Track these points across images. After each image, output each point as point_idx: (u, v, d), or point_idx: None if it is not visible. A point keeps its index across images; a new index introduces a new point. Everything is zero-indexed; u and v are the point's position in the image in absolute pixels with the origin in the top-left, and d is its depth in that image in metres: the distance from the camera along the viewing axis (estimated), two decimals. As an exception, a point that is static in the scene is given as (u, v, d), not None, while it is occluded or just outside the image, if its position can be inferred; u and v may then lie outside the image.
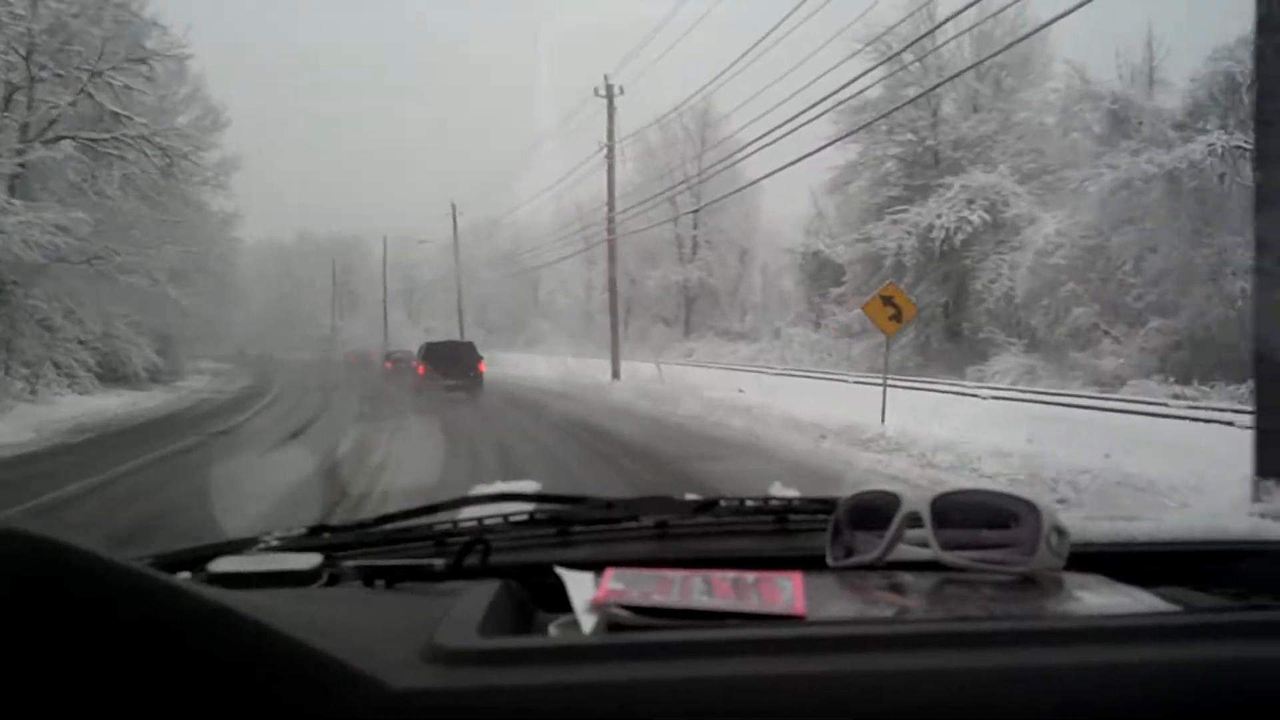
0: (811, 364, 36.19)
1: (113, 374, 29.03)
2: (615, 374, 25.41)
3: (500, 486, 1.49)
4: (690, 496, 1.49)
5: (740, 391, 20.68)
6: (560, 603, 0.92)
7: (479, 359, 26.05)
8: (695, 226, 53.39)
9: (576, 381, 26.84)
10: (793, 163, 17.87)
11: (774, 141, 17.34)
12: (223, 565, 1.08)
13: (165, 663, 0.59)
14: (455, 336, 38.74)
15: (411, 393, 25.05)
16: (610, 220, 24.51)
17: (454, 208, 46.79)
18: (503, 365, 40.88)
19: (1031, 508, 1.01)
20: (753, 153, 19.58)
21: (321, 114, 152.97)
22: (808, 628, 0.80)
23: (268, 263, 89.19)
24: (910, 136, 32.99)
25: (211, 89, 36.24)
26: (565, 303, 70.11)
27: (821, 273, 45.09)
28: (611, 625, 0.81)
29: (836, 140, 19.68)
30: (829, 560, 1.14)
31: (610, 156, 23.95)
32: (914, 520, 1.06)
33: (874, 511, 1.11)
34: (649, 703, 0.67)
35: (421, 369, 25.82)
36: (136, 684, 0.58)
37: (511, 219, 64.76)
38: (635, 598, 0.85)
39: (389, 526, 1.38)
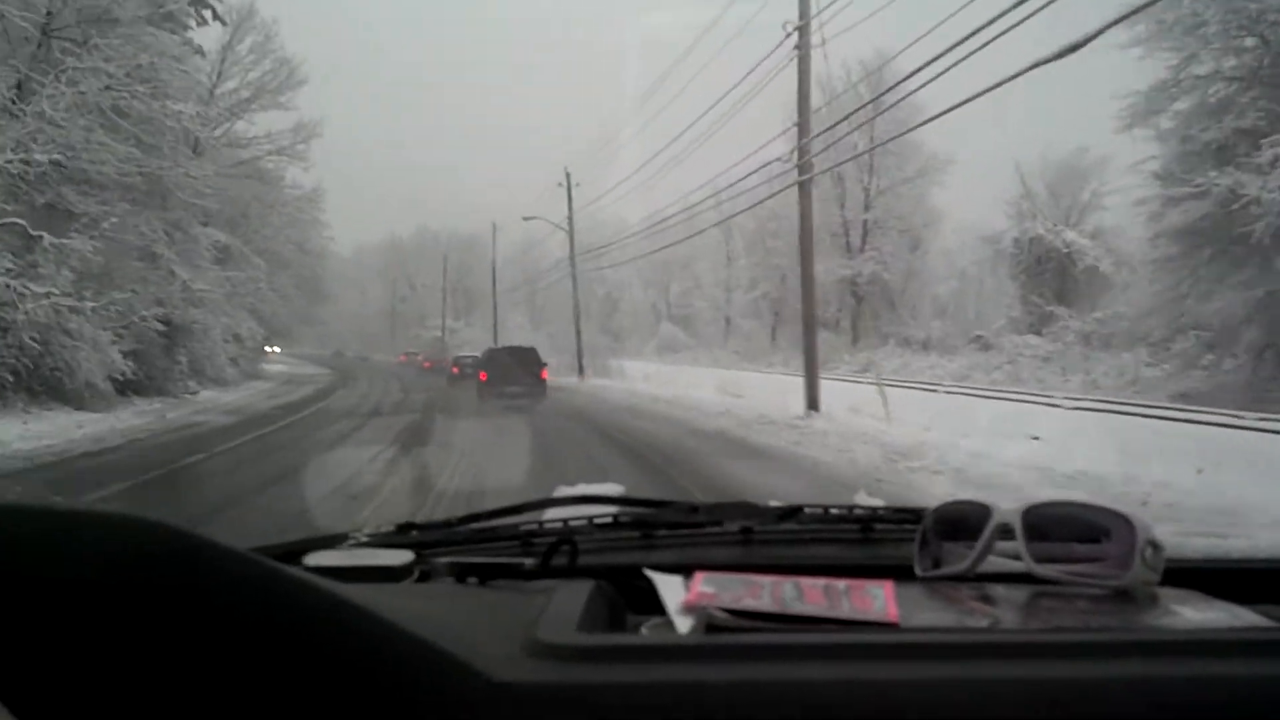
0: (1053, 384, 26.27)
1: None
2: (812, 403, 15.46)
3: (583, 488, 1.49)
4: (773, 503, 1.46)
5: (1035, 439, 11.83)
6: (647, 605, 0.94)
7: (542, 365, 25.26)
8: (867, 208, 43.70)
9: (745, 412, 16.52)
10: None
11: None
12: (318, 559, 1.08)
13: (295, 651, 0.62)
14: (570, 340, 37.58)
15: (469, 403, 22.68)
16: (802, 153, 15.34)
17: (569, 177, 38.36)
18: (629, 377, 32.54)
19: (1125, 521, 0.98)
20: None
21: (444, 104, 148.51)
22: (904, 634, 0.81)
23: (387, 263, 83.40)
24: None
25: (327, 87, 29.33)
26: (701, 305, 61.27)
27: (1042, 265, 35.09)
28: (709, 626, 0.82)
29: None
30: (917, 570, 1.12)
31: (804, 39, 14.88)
32: (1004, 532, 1.03)
33: (962, 522, 1.09)
34: (748, 704, 0.68)
35: (484, 375, 24.88)
36: (270, 671, 0.61)
37: (640, 209, 56.37)
38: (727, 601, 0.86)
39: (475, 525, 1.41)
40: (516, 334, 62.46)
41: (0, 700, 0.53)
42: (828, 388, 16.36)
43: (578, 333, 38.54)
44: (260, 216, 36.38)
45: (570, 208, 40.57)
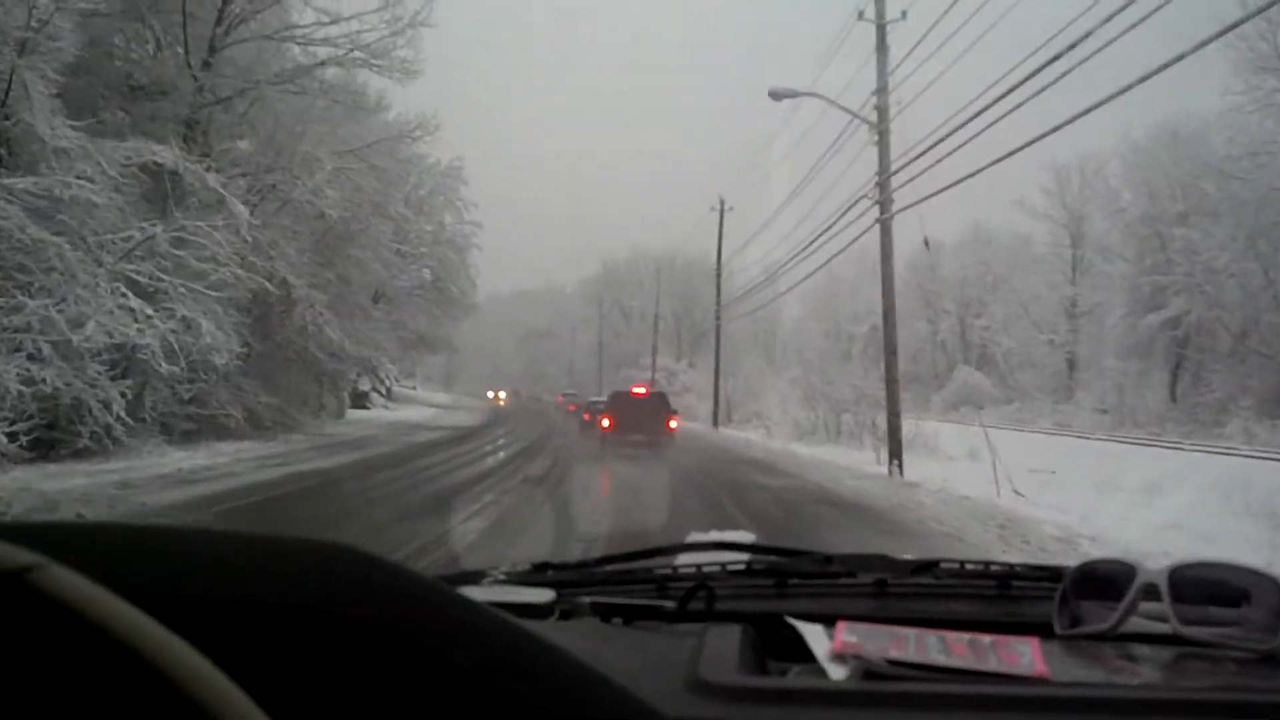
0: None
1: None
2: None
3: (716, 535, 1.54)
4: (907, 557, 1.49)
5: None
6: (786, 651, 0.98)
7: (669, 413, 24.46)
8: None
9: None
10: None
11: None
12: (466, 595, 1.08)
13: (496, 686, 0.62)
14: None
15: (587, 451, 21.36)
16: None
17: (722, 204, 26.42)
18: (944, 450, 21.73)
19: (1273, 584, 0.99)
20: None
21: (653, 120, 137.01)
22: (1057, 688, 0.82)
23: (596, 292, 71.59)
24: None
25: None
26: (1012, 343, 44.82)
27: None
28: (867, 674, 0.84)
29: None
30: (1056, 628, 1.12)
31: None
32: (1147, 592, 1.03)
33: (1104, 581, 1.09)
34: None
35: (608, 422, 23.28)
36: (471, 706, 0.60)
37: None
38: (872, 651, 0.87)
39: (611, 567, 1.46)
40: (752, 379, 48.69)
41: None
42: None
43: (716, 374, 34.51)
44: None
45: (720, 235, 32.63)
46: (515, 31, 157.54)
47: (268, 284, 17.11)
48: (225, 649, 0.48)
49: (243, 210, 15.19)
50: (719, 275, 31.52)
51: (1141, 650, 1.01)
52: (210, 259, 14.51)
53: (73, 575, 0.46)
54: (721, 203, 32.63)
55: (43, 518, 8.01)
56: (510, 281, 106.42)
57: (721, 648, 0.90)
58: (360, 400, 40.79)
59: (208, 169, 15.30)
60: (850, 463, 19.72)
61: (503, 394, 68.59)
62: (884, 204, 14.91)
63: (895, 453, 17.27)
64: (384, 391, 42.71)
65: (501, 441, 24.86)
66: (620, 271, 70.15)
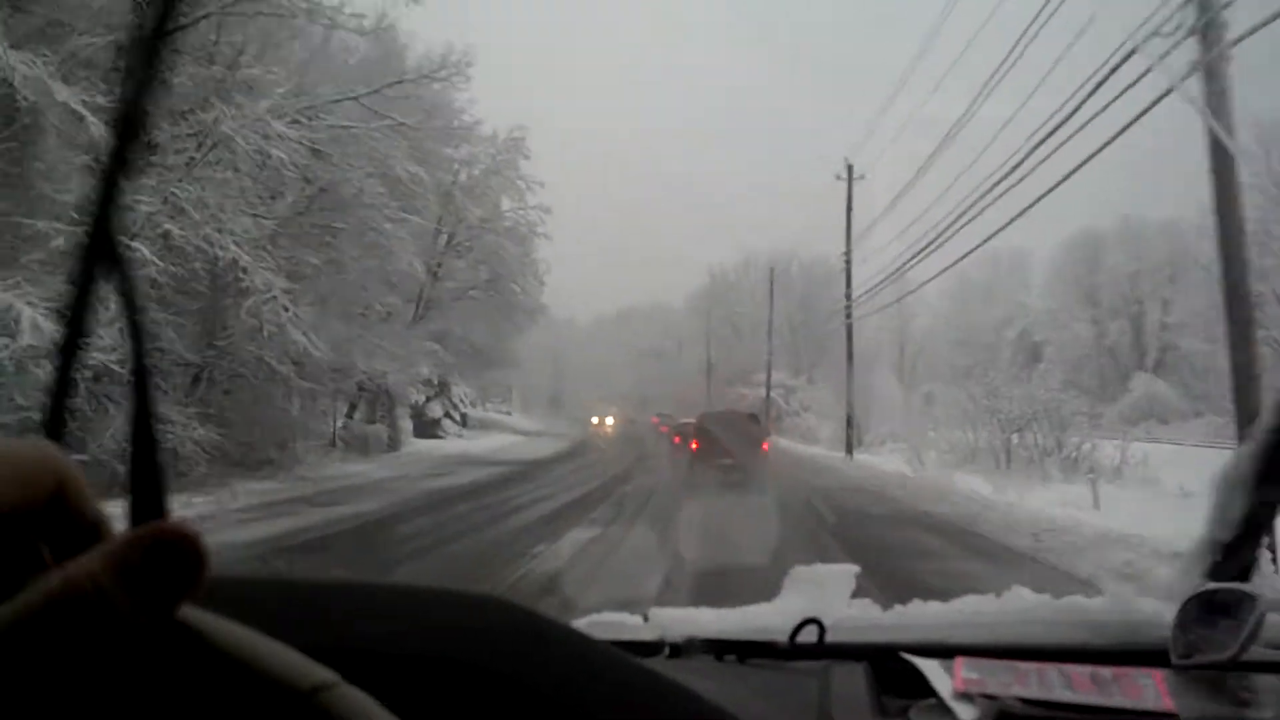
0: None
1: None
2: None
3: (821, 569, 1.51)
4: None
5: None
6: (898, 687, 0.97)
7: (763, 436, 23.64)
8: None
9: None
10: None
11: None
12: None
13: None
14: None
15: (677, 475, 19.73)
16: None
17: (850, 170, 22.92)
18: None
19: None
20: None
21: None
22: None
23: (702, 304, 65.88)
24: None
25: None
26: (1198, 344, 37.05)
27: None
28: (1001, 714, 0.84)
29: None
30: (1172, 657, 1.09)
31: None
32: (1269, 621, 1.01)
33: (1221, 608, 1.07)
34: None
35: (695, 445, 21.90)
36: None
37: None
38: (994, 688, 0.87)
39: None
40: (877, 394, 42.13)
41: None
42: None
43: (849, 383, 28.98)
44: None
45: (849, 206, 26.43)
46: (608, 33, 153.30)
47: (211, 265, 11.89)
48: (394, 705, 0.46)
49: (101, 133, 10.02)
50: (848, 258, 25.33)
51: (1266, 680, 0.99)
52: (55, 217, 9.44)
53: (364, 697, 0.43)
54: (850, 169, 26.50)
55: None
56: (618, 301, 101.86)
57: (848, 690, 0.90)
58: (430, 429, 35.93)
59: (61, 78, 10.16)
60: (1063, 512, 13.34)
61: (609, 419, 61.74)
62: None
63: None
64: (458, 418, 37.69)
65: (568, 478, 19.28)
66: (729, 280, 64.04)
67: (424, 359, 21.00)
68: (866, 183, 27.41)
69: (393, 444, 27.01)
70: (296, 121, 13.23)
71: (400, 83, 16.32)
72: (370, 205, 16.63)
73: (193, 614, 0.42)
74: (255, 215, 13.11)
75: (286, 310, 12.93)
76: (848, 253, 25.34)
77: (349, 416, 24.03)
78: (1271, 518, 1.60)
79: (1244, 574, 1.49)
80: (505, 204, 24.68)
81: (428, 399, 36.72)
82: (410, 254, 19.72)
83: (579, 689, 0.59)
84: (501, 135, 23.45)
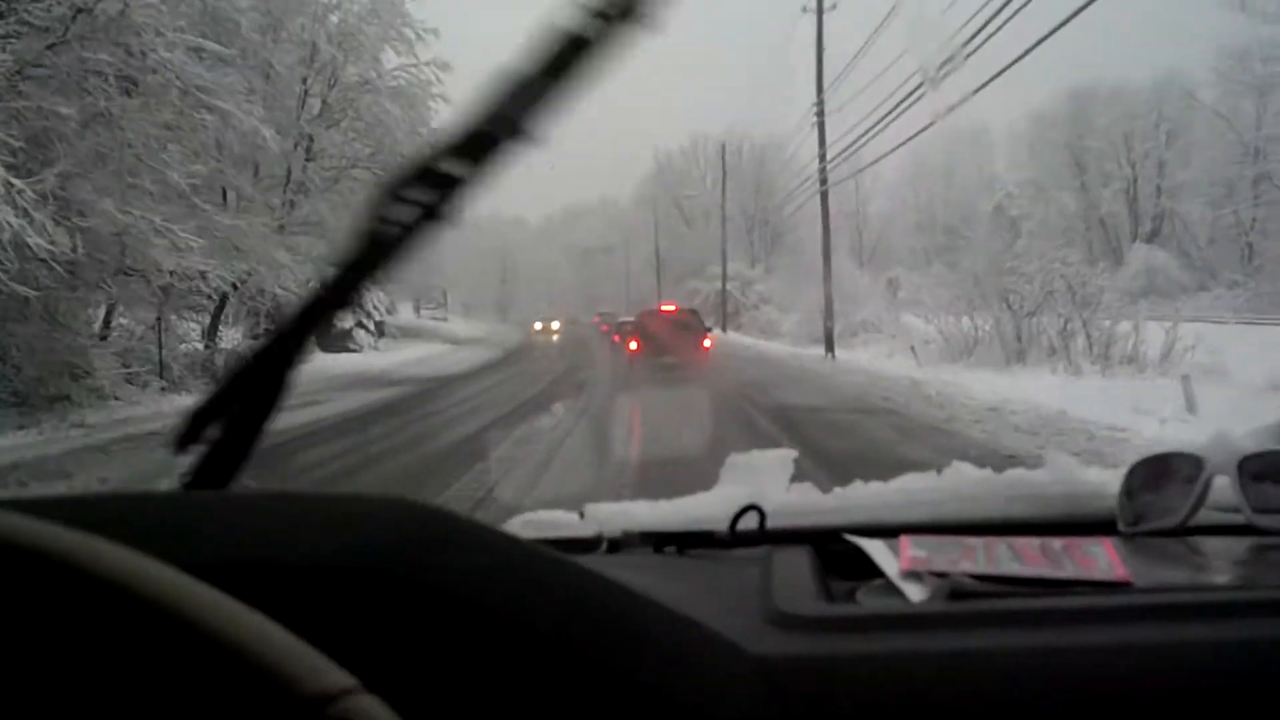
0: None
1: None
2: None
3: (758, 454, 1.41)
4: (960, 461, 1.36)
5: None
6: (842, 569, 0.93)
7: (703, 332, 22.27)
8: None
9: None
10: None
11: None
12: (513, 531, 1.03)
13: (564, 628, 0.59)
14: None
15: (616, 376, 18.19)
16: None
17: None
18: None
19: None
20: None
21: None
22: (1149, 595, 0.79)
23: (649, 191, 61.06)
24: None
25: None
26: (1204, 210, 33.49)
27: None
28: (953, 592, 0.80)
29: None
30: (1120, 526, 1.07)
31: None
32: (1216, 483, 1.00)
33: (1167, 474, 1.05)
34: (1004, 671, 0.68)
35: (635, 344, 21.25)
36: (543, 655, 0.57)
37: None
38: (943, 565, 0.85)
39: None
40: (844, 284, 38.06)
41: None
42: None
43: (826, 261, 24.37)
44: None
45: (820, 40, 21.63)
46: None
47: None
48: (292, 618, 0.43)
49: None
50: (820, 110, 20.66)
51: (1215, 544, 0.99)
52: None
53: (383, 708, 0.39)
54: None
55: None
56: (569, 199, 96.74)
57: (791, 574, 0.87)
58: (339, 341, 31.18)
59: None
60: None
61: (555, 323, 56.39)
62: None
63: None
64: (371, 328, 32.97)
65: (476, 401, 14.96)
66: (677, 166, 58.88)
67: (286, 254, 16.21)
68: (838, 16, 22.21)
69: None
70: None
71: None
72: (162, 36, 11.72)
73: (183, 588, 0.39)
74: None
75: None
76: (819, 102, 20.78)
77: (209, 335, 19.28)
78: None
79: None
80: (391, 60, 19.60)
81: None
82: (257, 120, 14.84)
83: (496, 588, 0.56)
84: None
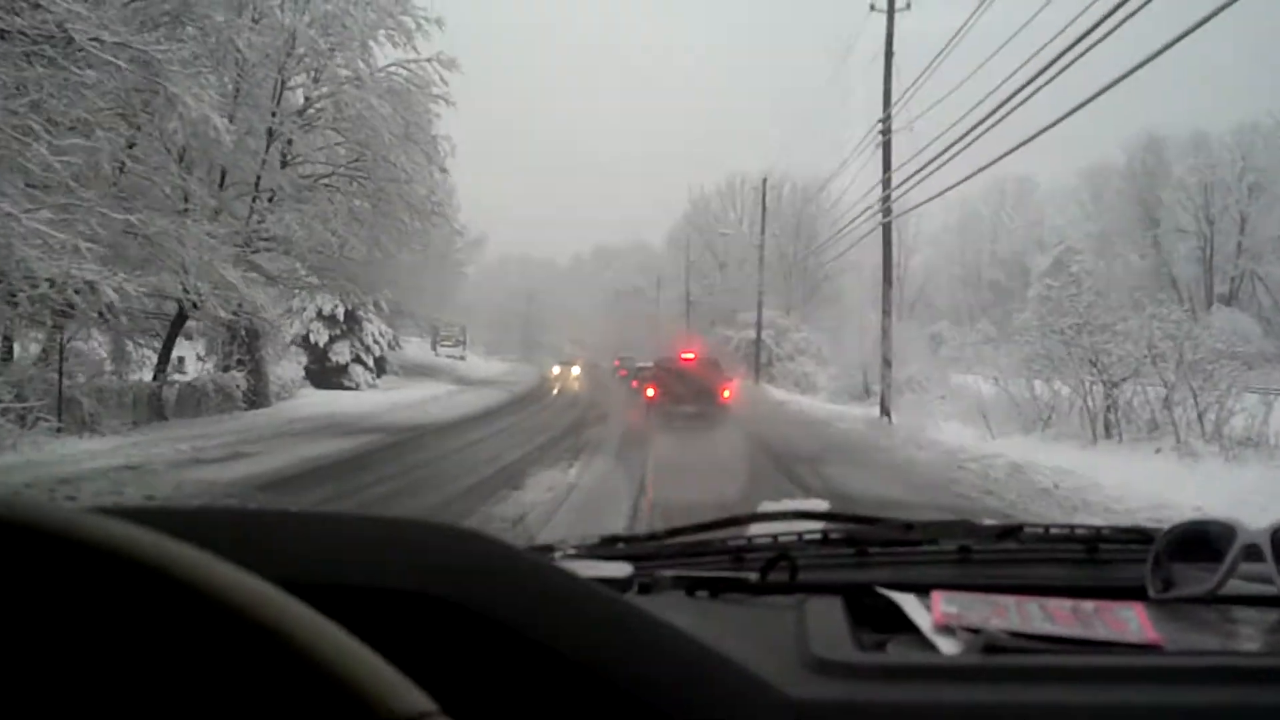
0: None
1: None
2: None
3: (789, 504, 1.47)
4: (989, 522, 1.41)
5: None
6: (873, 623, 0.94)
7: (722, 381, 21.35)
8: None
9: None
10: None
11: None
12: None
13: (618, 664, 0.60)
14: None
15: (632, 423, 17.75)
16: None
17: None
18: None
19: None
20: None
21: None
22: (1183, 658, 0.80)
23: (688, 235, 58.57)
24: None
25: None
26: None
27: None
28: (987, 646, 0.80)
29: None
30: (1150, 592, 1.06)
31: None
32: (1250, 553, 0.99)
33: (1199, 543, 1.04)
34: None
35: (653, 392, 20.47)
36: (593, 683, 0.58)
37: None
38: (975, 620, 0.85)
39: (684, 539, 1.38)
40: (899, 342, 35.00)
41: None
42: None
43: (886, 300, 20.47)
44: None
45: (889, 36, 18.15)
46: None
47: None
48: (365, 640, 0.45)
49: None
50: (886, 129, 17.63)
51: (1246, 613, 0.97)
52: None
53: None
54: (892, -5, 18.19)
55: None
56: (595, 238, 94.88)
57: (827, 622, 0.88)
58: (333, 377, 28.53)
59: None
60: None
61: (574, 367, 53.19)
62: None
63: None
64: (370, 364, 30.32)
65: (450, 462, 12.16)
66: (713, 207, 56.24)
67: (236, 271, 13.52)
68: (912, 21, 18.90)
69: (255, 399, 19.69)
70: None
71: None
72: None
73: (283, 608, 0.40)
74: None
75: None
76: (886, 119, 17.85)
77: (160, 364, 16.62)
78: None
79: None
80: (389, 53, 16.89)
81: (332, 339, 29.33)
82: (206, 107, 12.29)
83: (556, 622, 0.58)
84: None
